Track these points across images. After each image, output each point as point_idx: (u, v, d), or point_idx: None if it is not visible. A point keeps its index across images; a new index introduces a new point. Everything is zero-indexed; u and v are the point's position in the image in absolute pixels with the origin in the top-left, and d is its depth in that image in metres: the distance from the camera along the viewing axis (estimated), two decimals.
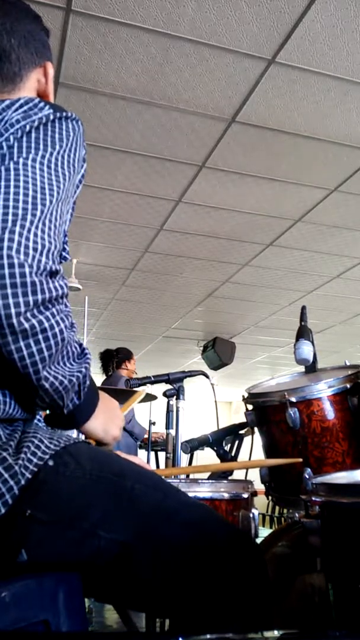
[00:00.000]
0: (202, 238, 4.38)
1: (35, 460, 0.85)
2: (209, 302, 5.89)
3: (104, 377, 4.83)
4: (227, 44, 2.43)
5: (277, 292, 5.56)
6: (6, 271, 0.75)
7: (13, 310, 0.75)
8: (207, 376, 2.26)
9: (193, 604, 0.93)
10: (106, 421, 1.00)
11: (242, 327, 6.79)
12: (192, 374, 2.21)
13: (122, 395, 3.07)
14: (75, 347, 0.89)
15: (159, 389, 2.23)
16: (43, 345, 0.79)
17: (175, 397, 2.16)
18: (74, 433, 1.57)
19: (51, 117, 0.91)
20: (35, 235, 0.80)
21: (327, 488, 1.07)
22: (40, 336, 0.78)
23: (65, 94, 2.74)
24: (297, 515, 1.63)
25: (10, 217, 0.78)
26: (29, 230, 0.79)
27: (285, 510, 5.52)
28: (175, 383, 2.12)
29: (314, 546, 1.09)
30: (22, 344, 0.77)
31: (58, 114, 0.92)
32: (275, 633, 0.74)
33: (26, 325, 0.76)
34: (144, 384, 2.19)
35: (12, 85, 1.03)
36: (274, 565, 1.46)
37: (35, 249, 0.79)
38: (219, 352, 6.55)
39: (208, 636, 0.76)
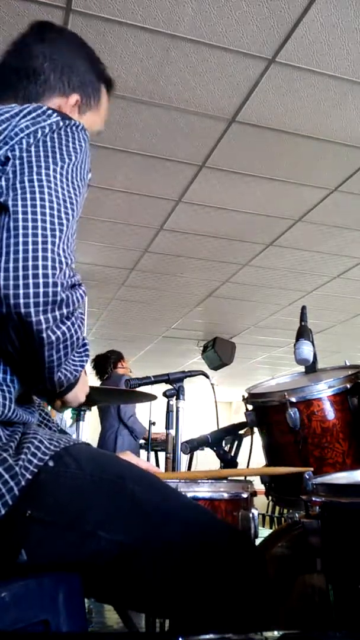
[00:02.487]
0: (202, 238, 4.37)
1: (35, 461, 0.85)
2: (209, 302, 5.88)
3: (99, 381, 4.85)
4: (227, 44, 2.43)
5: (277, 292, 5.56)
6: (41, 290, 0.81)
7: (44, 326, 0.82)
8: (207, 376, 2.26)
9: (193, 604, 0.94)
10: (78, 390, 1.07)
11: (242, 327, 6.79)
12: (192, 374, 2.20)
13: (123, 395, 3.07)
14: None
15: (159, 389, 2.23)
16: (62, 352, 0.87)
17: (175, 397, 2.16)
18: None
19: (60, 124, 0.93)
20: (64, 250, 0.84)
21: (327, 488, 1.07)
22: (62, 345, 0.86)
23: None
24: (297, 515, 1.63)
25: (39, 232, 0.82)
26: (59, 247, 0.83)
27: (285, 511, 5.51)
28: (175, 383, 2.12)
29: (314, 546, 1.09)
30: (47, 353, 0.85)
31: (67, 122, 0.94)
32: (275, 633, 0.74)
33: (53, 337, 0.84)
34: (144, 384, 2.19)
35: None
36: (274, 565, 1.46)
37: (66, 264, 0.84)
38: (219, 352, 6.55)
39: (208, 636, 0.76)
